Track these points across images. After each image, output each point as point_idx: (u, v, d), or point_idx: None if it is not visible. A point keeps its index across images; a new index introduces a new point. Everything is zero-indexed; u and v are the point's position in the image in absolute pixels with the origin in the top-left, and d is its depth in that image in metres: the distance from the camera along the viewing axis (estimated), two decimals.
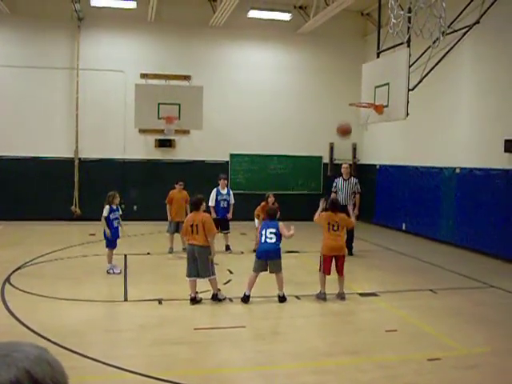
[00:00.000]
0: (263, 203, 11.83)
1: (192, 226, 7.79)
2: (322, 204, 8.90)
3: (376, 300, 8.40)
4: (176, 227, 11.76)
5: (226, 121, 17.14)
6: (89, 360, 5.58)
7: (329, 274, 8.29)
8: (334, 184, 12.16)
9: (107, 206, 9.64)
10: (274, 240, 7.99)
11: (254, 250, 11.85)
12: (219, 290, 8.05)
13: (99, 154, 16.43)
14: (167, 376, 5.30)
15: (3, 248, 11.87)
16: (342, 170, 12.19)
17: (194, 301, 7.85)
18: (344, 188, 11.90)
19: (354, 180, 12.03)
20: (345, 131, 10.86)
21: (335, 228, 8.33)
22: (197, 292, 7.92)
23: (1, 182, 15.91)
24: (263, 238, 8.04)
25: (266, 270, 8.05)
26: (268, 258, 7.99)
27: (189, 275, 7.90)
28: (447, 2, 9.80)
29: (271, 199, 11.80)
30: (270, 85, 17.55)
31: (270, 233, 8.00)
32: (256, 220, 11.92)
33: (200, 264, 7.77)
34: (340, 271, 8.33)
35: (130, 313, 7.49)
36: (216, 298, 7.98)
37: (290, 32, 17.29)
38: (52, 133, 16.23)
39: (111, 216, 9.66)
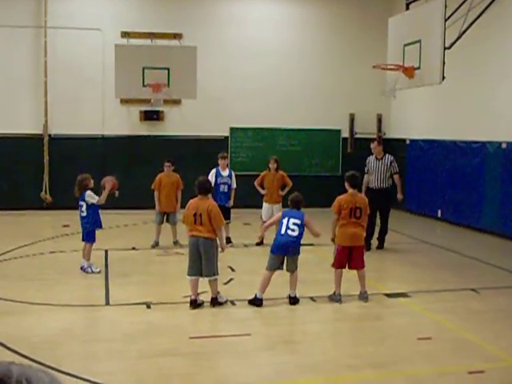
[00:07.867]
0: (264, 172, 12.38)
1: (195, 215, 7.80)
2: None
3: (407, 302, 8.41)
4: (162, 218, 11.88)
5: (224, 88, 17.05)
6: (64, 376, 5.61)
7: (344, 267, 8.30)
8: (367, 162, 12.15)
9: (90, 192, 9.68)
10: (296, 233, 8.00)
11: (258, 243, 11.95)
12: (218, 292, 8.07)
13: (73, 130, 16.40)
14: None
15: None
16: (372, 149, 12.15)
17: (195, 304, 7.87)
18: (377, 169, 11.87)
19: (388, 158, 11.98)
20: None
21: (358, 214, 8.32)
22: (198, 294, 7.95)
23: None
24: (283, 228, 8.04)
25: (282, 269, 8.08)
26: (287, 253, 8.03)
27: (190, 273, 7.91)
28: None
29: (273, 165, 12.23)
30: (277, 44, 17.42)
31: (294, 224, 8.01)
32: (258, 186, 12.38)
33: (205, 260, 7.79)
34: (359, 264, 8.32)
35: (112, 319, 7.53)
36: (216, 301, 7.99)
37: None
38: (15, 105, 16.17)
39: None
